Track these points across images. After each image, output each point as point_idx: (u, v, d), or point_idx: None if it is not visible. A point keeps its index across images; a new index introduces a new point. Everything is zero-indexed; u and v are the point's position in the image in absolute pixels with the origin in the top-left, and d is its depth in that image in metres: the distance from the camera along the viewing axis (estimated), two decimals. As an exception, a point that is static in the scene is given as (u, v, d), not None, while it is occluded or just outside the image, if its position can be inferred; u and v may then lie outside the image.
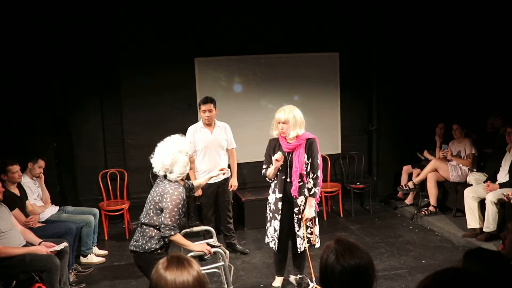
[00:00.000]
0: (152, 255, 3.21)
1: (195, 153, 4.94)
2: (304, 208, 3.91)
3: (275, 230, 3.99)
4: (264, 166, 4.04)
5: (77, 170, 6.14)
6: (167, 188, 3.23)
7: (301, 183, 3.88)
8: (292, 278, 3.83)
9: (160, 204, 3.22)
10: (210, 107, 4.90)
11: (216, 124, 5.07)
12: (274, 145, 3.99)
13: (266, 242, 4.17)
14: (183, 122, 5.73)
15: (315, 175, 3.88)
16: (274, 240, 4.01)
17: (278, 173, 3.93)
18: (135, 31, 5.91)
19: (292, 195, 3.88)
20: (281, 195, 3.93)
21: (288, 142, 3.90)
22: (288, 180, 3.90)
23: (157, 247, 3.23)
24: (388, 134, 6.75)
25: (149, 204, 3.31)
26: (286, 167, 3.90)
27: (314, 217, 3.96)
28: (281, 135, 3.91)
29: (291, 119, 3.82)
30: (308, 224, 3.92)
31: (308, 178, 3.90)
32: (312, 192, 3.89)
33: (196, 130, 5.04)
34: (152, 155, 3.30)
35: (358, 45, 6.66)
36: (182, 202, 3.23)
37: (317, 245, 4.02)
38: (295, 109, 3.90)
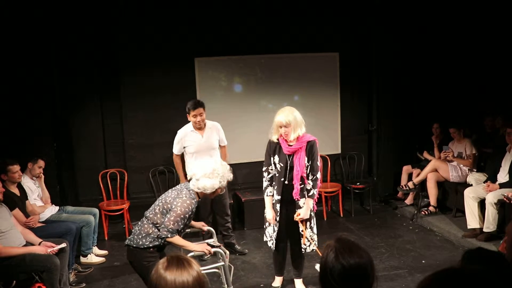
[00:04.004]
0: (143, 252, 3.21)
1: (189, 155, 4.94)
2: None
3: (274, 230, 3.99)
4: (264, 168, 3.98)
5: (77, 170, 6.13)
6: (182, 193, 3.27)
7: (302, 186, 3.85)
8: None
9: (169, 205, 3.24)
10: (201, 111, 4.77)
11: (207, 126, 4.94)
12: (274, 147, 3.90)
13: (264, 240, 4.16)
14: (183, 122, 5.70)
15: (315, 176, 3.85)
16: (272, 240, 4.02)
17: (277, 175, 3.90)
18: (135, 31, 5.90)
19: (294, 198, 3.85)
20: (279, 197, 3.91)
21: (289, 145, 3.83)
22: (287, 182, 3.87)
23: (150, 245, 3.21)
24: (388, 134, 6.75)
25: (160, 201, 3.33)
26: (285, 170, 3.86)
27: (310, 219, 3.93)
28: (283, 138, 3.83)
29: (292, 121, 3.75)
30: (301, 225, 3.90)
31: (308, 180, 3.87)
32: (310, 194, 3.86)
33: (186, 134, 4.93)
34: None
35: (358, 45, 6.65)
36: (189, 213, 3.26)
37: (307, 249, 3.95)
38: (294, 110, 3.82)
